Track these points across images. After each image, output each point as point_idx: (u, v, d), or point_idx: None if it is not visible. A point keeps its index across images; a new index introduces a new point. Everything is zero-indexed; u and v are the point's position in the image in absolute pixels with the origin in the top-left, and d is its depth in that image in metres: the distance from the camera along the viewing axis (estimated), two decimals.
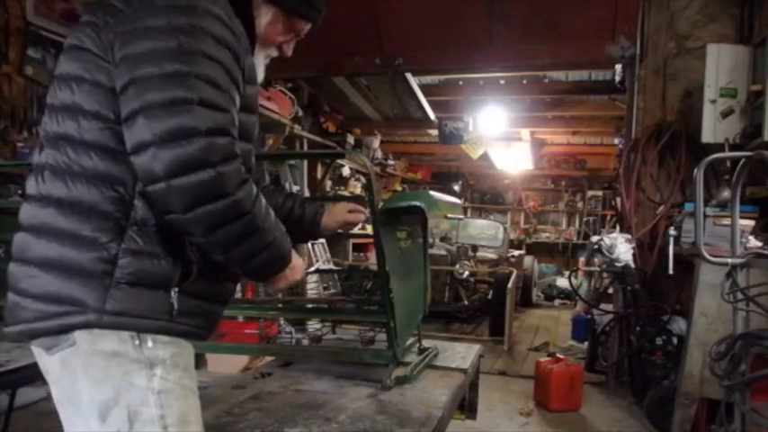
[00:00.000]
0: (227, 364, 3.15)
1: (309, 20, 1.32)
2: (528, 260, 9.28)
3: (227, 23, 1.06)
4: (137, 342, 1.03)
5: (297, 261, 1.23)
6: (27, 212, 1.07)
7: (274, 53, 1.33)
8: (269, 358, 2.63)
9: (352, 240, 7.32)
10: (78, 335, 1.01)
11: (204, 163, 0.96)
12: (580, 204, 12.17)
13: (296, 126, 5.95)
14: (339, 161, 7.73)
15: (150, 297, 1.04)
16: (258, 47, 1.26)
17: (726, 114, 3.74)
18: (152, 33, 0.99)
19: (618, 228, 4.57)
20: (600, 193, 11.72)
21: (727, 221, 3.08)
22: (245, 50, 1.12)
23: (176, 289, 1.06)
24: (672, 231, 3.78)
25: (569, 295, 9.15)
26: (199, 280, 1.10)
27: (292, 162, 6.45)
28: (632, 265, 3.92)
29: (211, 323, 1.19)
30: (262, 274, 1.18)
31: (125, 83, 0.99)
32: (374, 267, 1.85)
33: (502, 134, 8.74)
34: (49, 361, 1.06)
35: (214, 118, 0.98)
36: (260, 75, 1.25)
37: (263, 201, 1.09)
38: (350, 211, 1.84)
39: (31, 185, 1.08)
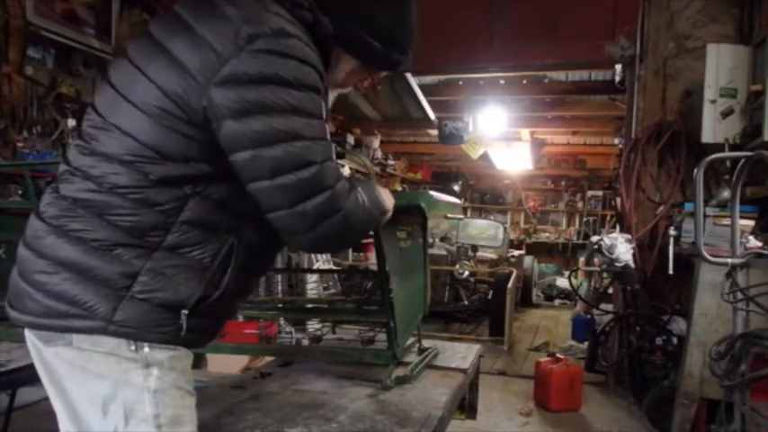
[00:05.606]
0: (227, 364, 3.15)
1: (390, 70, 1.34)
2: (528, 260, 9.27)
3: (315, 64, 1.06)
4: (133, 347, 1.03)
5: (388, 201, 1.27)
6: (56, 209, 1.05)
7: (347, 90, 1.35)
8: (269, 358, 2.63)
9: None
10: (77, 337, 1.02)
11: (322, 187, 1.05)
12: (580, 204, 12.18)
13: None
14: (339, 161, 7.73)
15: (160, 315, 1.04)
16: (332, 87, 1.26)
17: (726, 114, 3.73)
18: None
19: (618, 228, 4.57)
20: (600, 193, 11.71)
21: (727, 221, 3.08)
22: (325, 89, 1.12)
23: (187, 312, 1.06)
24: (672, 231, 3.77)
25: (569, 295, 9.14)
26: (215, 302, 1.11)
27: None
28: (632, 265, 3.91)
29: (214, 335, 1.20)
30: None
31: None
32: (374, 267, 1.85)
33: (502, 134, 8.74)
34: (45, 352, 1.06)
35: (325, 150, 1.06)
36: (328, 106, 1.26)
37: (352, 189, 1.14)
38: None
39: (69, 186, 1.05)
